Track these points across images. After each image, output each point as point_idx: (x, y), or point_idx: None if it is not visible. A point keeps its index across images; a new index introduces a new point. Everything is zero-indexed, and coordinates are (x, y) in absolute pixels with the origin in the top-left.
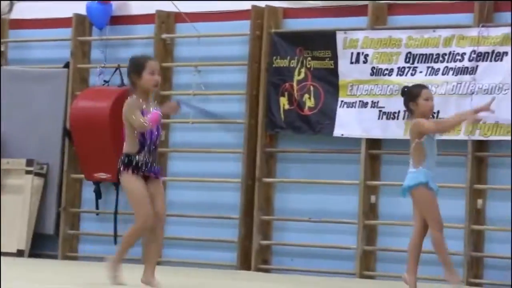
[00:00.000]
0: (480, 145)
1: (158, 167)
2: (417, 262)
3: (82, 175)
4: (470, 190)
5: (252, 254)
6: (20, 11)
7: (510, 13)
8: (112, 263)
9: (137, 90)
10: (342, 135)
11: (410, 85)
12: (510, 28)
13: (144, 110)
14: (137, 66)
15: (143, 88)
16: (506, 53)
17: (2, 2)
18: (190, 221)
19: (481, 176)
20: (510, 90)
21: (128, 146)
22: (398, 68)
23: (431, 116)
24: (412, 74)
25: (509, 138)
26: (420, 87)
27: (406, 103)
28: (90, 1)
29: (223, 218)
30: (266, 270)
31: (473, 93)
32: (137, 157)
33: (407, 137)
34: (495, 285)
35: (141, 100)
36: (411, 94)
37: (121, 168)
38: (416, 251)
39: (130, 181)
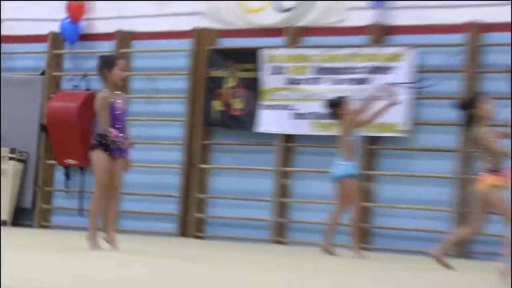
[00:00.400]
0: (372, 139)
1: (123, 148)
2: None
3: (55, 161)
4: (365, 175)
5: (189, 225)
6: (8, 28)
7: (399, 35)
8: (89, 234)
9: (107, 84)
10: (264, 131)
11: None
12: (397, 48)
13: (113, 103)
14: (109, 62)
15: (113, 82)
16: (393, 67)
17: None
18: (141, 198)
19: (373, 164)
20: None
21: (101, 128)
22: (308, 78)
23: None
24: (318, 84)
25: (396, 134)
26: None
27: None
28: (63, 21)
29: (166, 196)
30: (201, 238)
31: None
32: (107, 138)
33: (314, 133)
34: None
35: (109, 94)
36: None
37: (94, 146)
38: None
39: (99, 157)
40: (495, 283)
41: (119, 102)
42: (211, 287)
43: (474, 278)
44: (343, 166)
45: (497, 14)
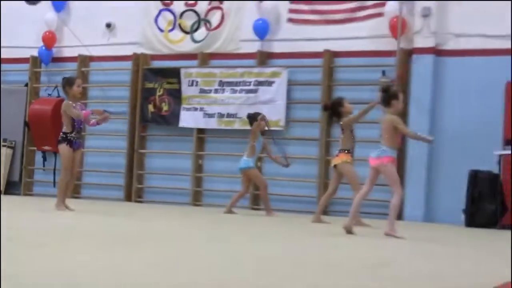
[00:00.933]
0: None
1: (80, 142)
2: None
3: (35, 148)
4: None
5: (132, 193)
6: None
7: (276, 59)
8: (58, 202)
9: (69, 97)
10: (184, 126)
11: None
12: (275, 68)
13: (73, 109)
14: (70, 81)
15: (73, 95)
16: (273, 82)
17: None
18: (98, 174)
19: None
20: (277, 102)
21: (66, 128)
22: (214, 89)
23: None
24: (222, 93)
25: (275, 128)
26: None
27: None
28: (40, 48)
29: (116, 172)
30: (140, 202)
31: (255, 103)
32: (69, 135)
33: (221, 127)
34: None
35: (71, 103)
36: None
37: (60, 141)
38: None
39: (64, 149)
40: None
41: (77, 108)
42: (144, 232)
43: (329, 227)
44: (245, 160)
45: (344, 45)
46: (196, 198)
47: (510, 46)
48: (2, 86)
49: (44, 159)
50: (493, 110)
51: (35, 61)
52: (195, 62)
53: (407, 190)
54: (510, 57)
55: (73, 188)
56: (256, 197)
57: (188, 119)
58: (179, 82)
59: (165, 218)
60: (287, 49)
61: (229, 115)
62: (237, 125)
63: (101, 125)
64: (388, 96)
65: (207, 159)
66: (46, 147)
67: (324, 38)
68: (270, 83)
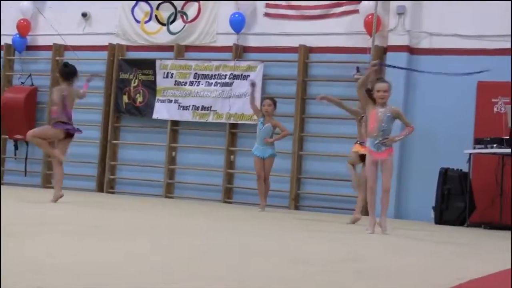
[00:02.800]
0: (233, 125)
1: (74, 127)
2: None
3: (7, 136)
4: (227, 150)
5: (105, 184)
6: None
7: (252, 53)
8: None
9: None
10: (158, 118)
11: None
12: (251, 62)
13: (65, 93)
14: (72, 70)
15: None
16: (249, 75)
17: None
18: (69, 164)
19: (233, 142)
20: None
21: (59, 115)
22: (189, 81)
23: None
24: (197, 85)
25: (249, 122)
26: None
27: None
28: (14, 36)
29: (89, 163)
30: (112, 193)
31: (230, 97)
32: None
33: (196, 120)
34: (240, 203)
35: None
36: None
37: (53, 125)
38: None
39: (55, 131)
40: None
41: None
42: (112, 222)
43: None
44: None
45: (319, 41)
46: (169, 190)
47: (482, 46)
48: None
49: (16, 148)
50: (465, 109)
51: (9, 49)
52: (171, 54)
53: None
54: (481, 57)
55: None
56: (229, 189)
57: (162, 111)
58: (154, 74)
59: (136, 209)
60: (263, 43)
61: (203, 108)
62: (211, 118)
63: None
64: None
65: (180, 151)
66: (18, 136)
67: (300, 34)
68: (245, 77)
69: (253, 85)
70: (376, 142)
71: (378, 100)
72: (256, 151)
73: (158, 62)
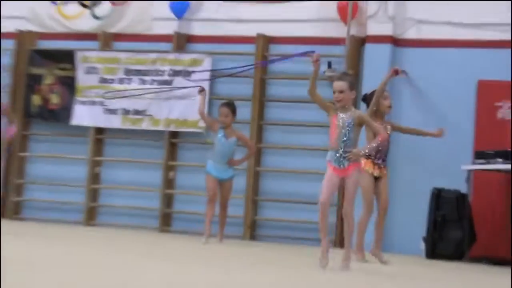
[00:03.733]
0: (174, 134)
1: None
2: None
3: None
4: (165, 165)
5: (8, 208)
6: None
7: (197, 43)
8: None
9: None
10: (78, 124)
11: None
12: (198, 55)
13: None
14: None
15: None
16: (193, 71)
17: None
18: None
19: (174, 155)
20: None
21: None
22: (119, 78)
23: None
24: (128, 83)
25: (194, 130)
26: None
27: None
28: None
29: None
30: (19, 219)
31: (170, 98)
32: None
33: (126, 127)
34: (180, 232)
35: None
36: None
37: None
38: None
39: None
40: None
41: None
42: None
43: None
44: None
45: (282, 29)
46: (91, 216)
47: (483, 37)
48: None
49: None
50: (462, 114)
51: None
52: (95, 44)
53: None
54: (483, 50)
55: None
56: (168, 214)
57: (83, 115)
58: (73, 68)
59: (47, 239)
60: (211, 31)
61: (136, 112)
62: (145, 125)
63: None
64: None
65: (106, 167)
66: None
67: (257, 20)
68: (188, 73)
69: (202, 91)
70: (337, 155)
71: (336, 104)
72: (212, 170)
73: (78, 54)
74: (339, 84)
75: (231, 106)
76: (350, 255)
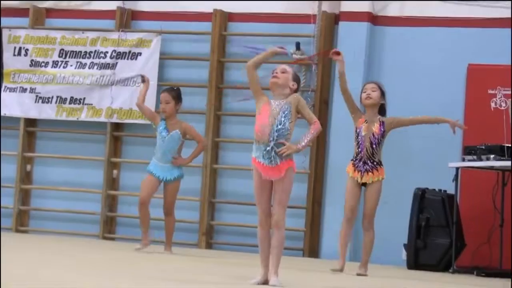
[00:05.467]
0: (117, 126)
1: None
2: None
3: None
4: (108, 162)
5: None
6: None
7: (145, 21)
8: None
9: None
10: (5, 114)
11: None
12: (145, 34)
13: None
14: None
15: None
16: (140, 53)
17: None
18: None
19: (117, 151)
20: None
21: None
22: (53, 61)
23: None
24: (64, 67)
25: (141, 121)
26: None
27: None
28: None
29: None
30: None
31: (113, 84)
32: None
33: (59, 118)
34: (125, 239)
35: None
36: None
37: None
38: None
39: None
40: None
41: None
42: None
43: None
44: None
45: (242, 4)
46: (21, 221)
47: (477, 15)
48: None
49: None
50: (450, 104)
51: None
52: (24, 21)
53: (326, 217)
54: (475, 29)
55: None
56: (111, 219)
57: (12, 104)
58: (0, 50)
59: None
60: (160, 7)
61: (73, 101)
62: (84, 115)
63: None
64: None
65: (38, 164)
66: None
67: None
68: (134, 56)
69: (144, 80)
70: (267, 149)
71: (271, 80)
72: (153, 168)
73: (5, 32)
74: (284, 66)
75: (173, 91)
76: (276, 270)
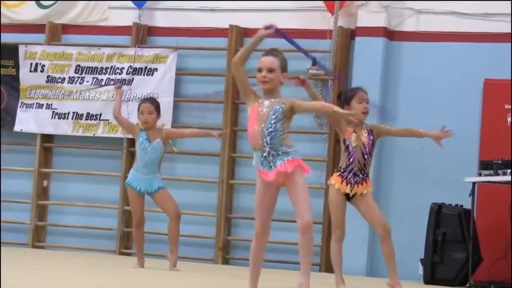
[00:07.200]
0: (133, 142)
1: None
2: None
3: None
4: (124, 178)
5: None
6: None
7: (161, 37)
8: None
9: None
10: (22, 130)
11: None
12: (162, 50)
13: None
14: None
15: None
16: (156, 69)
17: None
18: None
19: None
20: (160, 99)
21: None
22: (69, 77)
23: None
24: (80, 83)
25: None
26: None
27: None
28: None
29: None
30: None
31: (129, 100)
32: None
33: (75, 134)
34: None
35: None
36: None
37: None
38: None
39: None
40: None
41: None
42: None
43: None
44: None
45: (258, 19)
46: (38, 237)
47: (492, 30)
48: None
49: None
50: (466, 118)
51: None
52: (41, 37)
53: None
54: (491, 44)
55: None
56: (127, 234)
57: (28, 120)
58: (16, 66)
59: None
60: (176, 22)
61: (90, 117)
62: (101, 131)
63: None
64: None
65: (55, 180)
66: None
67: (230, 9)
68: (150, 71)
69: (119, 88)
70: (264, 155)
71: (261, 86)
72: (132, 180)
73: (21, 49)
74: (268, 60)
75: (155, 101)
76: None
